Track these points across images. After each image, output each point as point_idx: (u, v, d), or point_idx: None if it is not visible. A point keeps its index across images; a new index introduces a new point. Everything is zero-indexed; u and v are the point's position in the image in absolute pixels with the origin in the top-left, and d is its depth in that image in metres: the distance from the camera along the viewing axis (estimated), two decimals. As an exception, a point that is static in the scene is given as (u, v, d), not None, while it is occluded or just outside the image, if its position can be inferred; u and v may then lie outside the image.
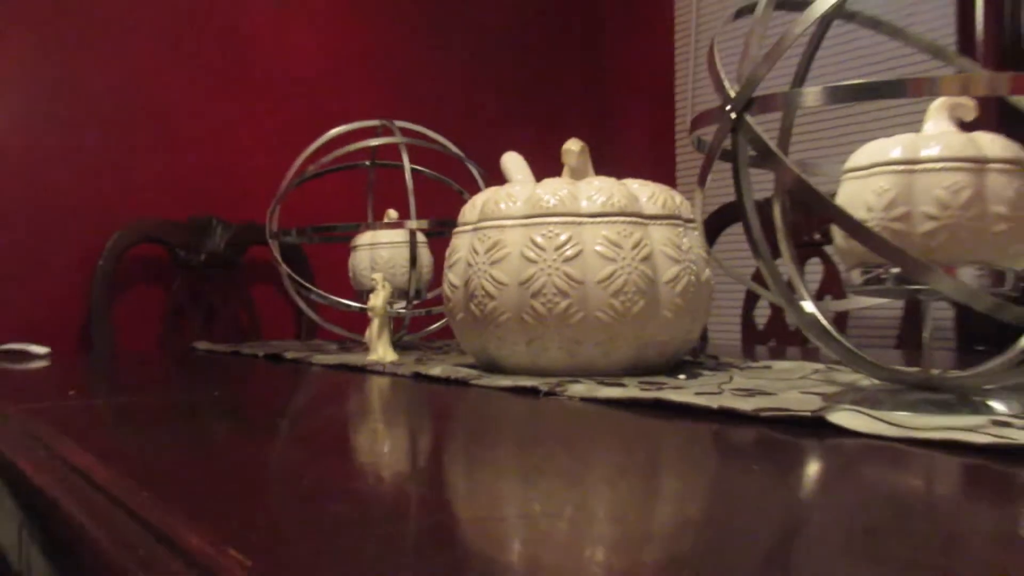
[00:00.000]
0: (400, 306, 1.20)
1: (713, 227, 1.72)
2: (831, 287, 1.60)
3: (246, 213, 1.95)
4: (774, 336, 1.69)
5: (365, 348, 1.03)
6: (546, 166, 0.93)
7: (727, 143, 0.55)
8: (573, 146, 0.88)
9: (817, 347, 0.58)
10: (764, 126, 0.52)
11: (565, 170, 0.89)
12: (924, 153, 0.54)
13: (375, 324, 1.00)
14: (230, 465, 0.44)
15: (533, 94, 2.50)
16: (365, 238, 1.24)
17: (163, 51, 1.97)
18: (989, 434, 0.44)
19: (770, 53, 0.50)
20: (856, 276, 0.59)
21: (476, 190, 1.07)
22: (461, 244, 0.85)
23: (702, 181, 0.58)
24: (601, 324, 0.77)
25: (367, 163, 1.36)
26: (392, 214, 1.26)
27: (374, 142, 1.23)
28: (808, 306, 0.69)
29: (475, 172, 1.30)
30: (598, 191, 0.80)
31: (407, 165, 1.13)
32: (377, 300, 1.00)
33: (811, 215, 1.49)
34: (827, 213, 0.49)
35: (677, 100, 2.47)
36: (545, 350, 0.79)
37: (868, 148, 0.58)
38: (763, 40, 0.53)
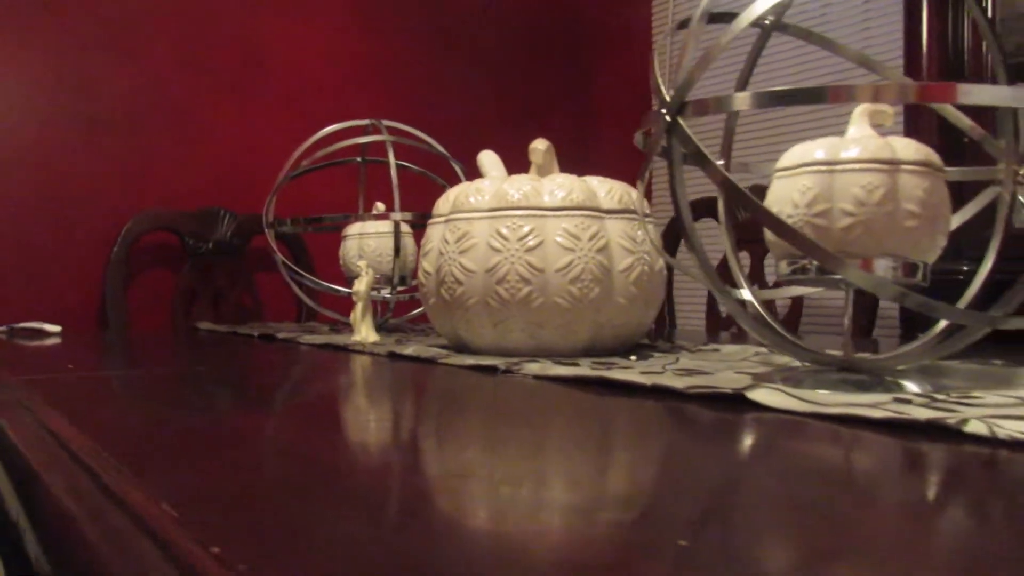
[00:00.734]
0: (386, 292, 1.21)
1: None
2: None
3: (252, 205, 1.95)
4: (799, 329, 1.69)
5: (352, 330, 1.04)
6: (529, 165, 0.93)
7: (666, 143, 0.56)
8: (539, 145, 0.88)
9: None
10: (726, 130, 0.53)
11: (532, 167, 0.89)
12: (843, 155, 0.55)
13: (359, 307, 1.01)
14: (188, 431, 0.45)
15: (520, 99, 2.51)
16: (354, 228, 1.24)
17: (179, 54, 1.97)
18: (889, 410, 0.44)
19: (700, 62, 0.50)
20: (784, 267, 0.60)
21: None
22: (434, 234, 0.86)
23: (640, 177, 0.59)
24: (560, 309, 0.78)
25: (358, 159, 1.37)
26: (380, 206, 1.26)
27: (362, 140, 1.23)
28: (745, 294, 0.70)
29: (457, 169, 1.30)
30: (559, 187, 0.81)
31: (392, 161, 1.14)
32: (361, 285, 1.01)
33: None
34: (751, 210, 0.50)
35: (654, 104, 2.47)
36: (509, 332, 0.80)
37: (796, 150, 0.59)
38: (697, 50, 0.54)
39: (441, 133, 1.37)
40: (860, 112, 0.60)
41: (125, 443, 0.38)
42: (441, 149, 1.30)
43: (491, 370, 0.70)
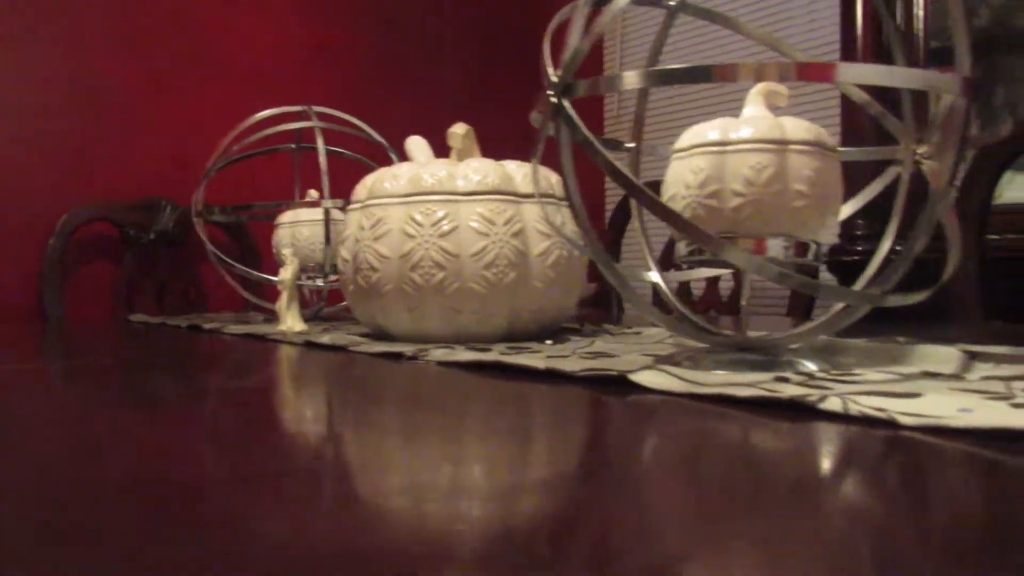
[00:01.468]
0: (321, 280, 1.20)
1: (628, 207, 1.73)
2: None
3: (188, 194, 1.92)
4: (712, 306, 1.70)
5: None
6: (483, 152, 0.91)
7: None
8: (458, 129, 0.88)
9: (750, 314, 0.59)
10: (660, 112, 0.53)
11: (452, 152, 0.89)
12: (733, 135, 0.55)
13: (284, 296, 1.00)
14: (62, 419, 0.44)
15: (471, 86, 2.49)
16: (287, 216, 1.23)
17: (118, 41, 1.93)
18: (763, 388, 0.45)
19: (581, 44, 0.50)
20: (682, 249, 0.60)
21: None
22: (351, 221, 0.85)
23: (533, 156, 0.59)
24: (475, 294, 0.78)
25: (293, 146, 1.35)
26: (313, 193, 1.25)
27: (293, 126, 1.22)
28: (653, 276, 0.70)
29: (394, 158, 1.29)
30: (475, 171, 0.80)
31: (321, 148, 1.13)
32: (286, 274, 1.00)
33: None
34: (633, 194, 0.50)
35: (605, 97, 2.48)
36: (426, 318, 0.79)
37: (691, 131, 0.59)
38: (587, 31, 0.54)
39: (390, 120, 1.36)
40: (755, 93, 0.60)
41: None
42: (376, 136, 1.29)
43: (396, 356, 0.70)
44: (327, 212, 1.12)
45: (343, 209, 1.18)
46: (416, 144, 0.98)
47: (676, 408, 0.44)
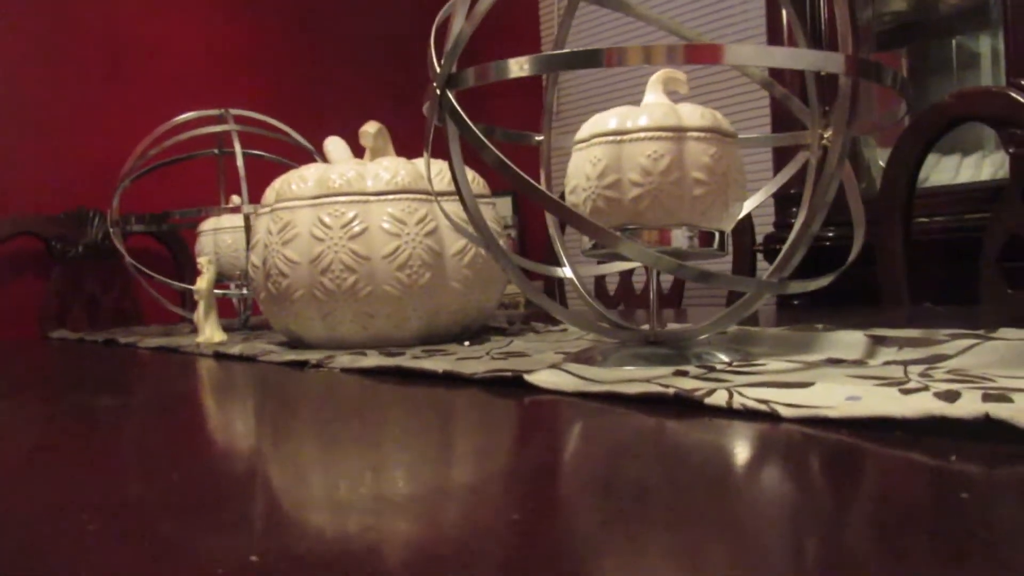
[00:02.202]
0: (245, 289, 1.16)
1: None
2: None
3: (125, 204, 1.87)
4: (622, 300, 1.69)
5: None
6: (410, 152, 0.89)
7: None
8: (369, 128, 0.85)
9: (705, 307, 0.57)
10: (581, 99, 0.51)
11: (366, 152, 0.86)
12: (630, 124, 0.54)
13: (201, 306, 0.96)
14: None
15: (403, 86, 2.46)
16: (209, 223, 1.19)
17: (35, 48, 1.86)
18: (659, 383, 0.43)
19: (462, 32, 0.48)
20: (586, 242, 0.58)
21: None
22: (260, 226, 0.82)
23: (424, 149, 0.57)
24: (390, 297, 0.75)
25: (215, 151, 1.31)
26: (236, 199, 1.21)
27: (209, 130, 1.18)
28: (566, 271, 0.68)
29: (318, 160, 1.26)
30: (384, 170, 0.78)
31: (239, 152, 1.09)
32: (202, 283, 0.96)
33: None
34: (521, 188, 0.48)
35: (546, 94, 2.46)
36: (340, 324, 0.77)
37: (592, 120, 0.57)
38: (471, 21, 0.52)
39: (319, 122, 1.32)
40: (655, 80, 0.58)
41: None
42: (299, 138, 1.25)
43: (302, 365, 0.67)
44: (247, 218, 1.08)
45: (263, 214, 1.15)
46: (335, 145, 0.95)
47: (567, 408, 0.43)
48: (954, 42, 1.75)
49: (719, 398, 0.38)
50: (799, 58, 0.47)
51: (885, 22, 1.74)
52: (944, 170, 1.53)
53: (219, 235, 1.18)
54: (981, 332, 0.53)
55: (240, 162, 1.08)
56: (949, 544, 0.20)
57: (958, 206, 1.40)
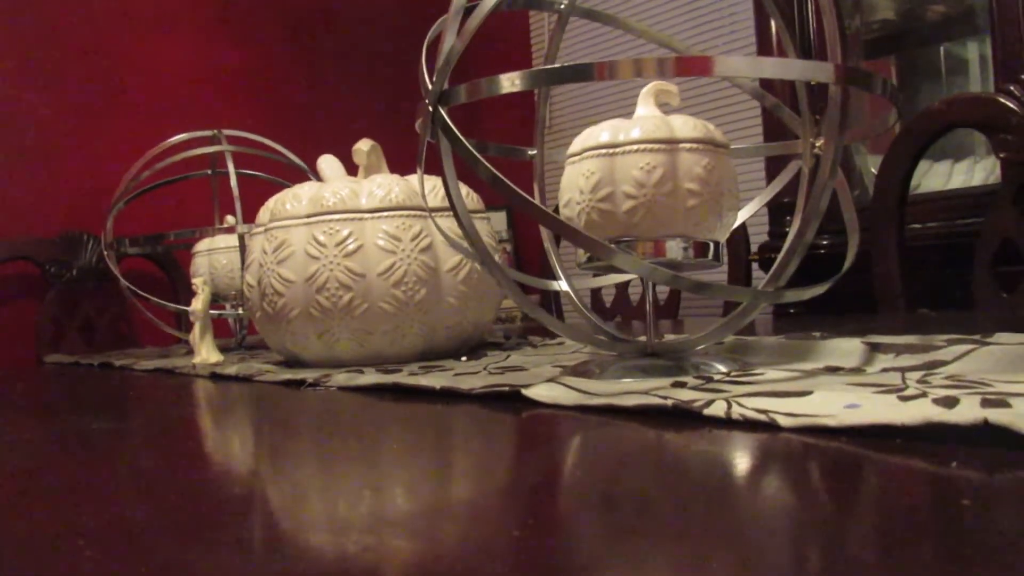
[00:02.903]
0: (241, 309, 1.16)
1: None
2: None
3: (120, 227, 1.87)
4: (619, 312, 1.69)
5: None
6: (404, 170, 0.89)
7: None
8: (363, 146, 0.86)
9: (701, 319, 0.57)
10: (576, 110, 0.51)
11: (360, 170, 0.86)
12: (622, 137, 0.54)
13: (197, 327, 0.96)
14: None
15: (401, 106, 2.47)
16: (204, 244, 1.19)
17: (28, 72, 1.87)
18: (657, 395, 0.43)
19: (453, 48, 0.48)
20: (581, 255, 0.58)
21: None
22: (255, 246, 0.82)
23: (418, 165, 0.57)
24: (386, 314, 0.75)
25: (209, 172, 1.31)
26: (230, 220, 1.21)
27: (203, 151, 1.18)
28: (561, 284, 0.68)
29: (313, 179, 1.26)
30: (378, 187, 0.78)
31: (232, 172, 1.09)
32: (197, 304, 0.96)
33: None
34: (515, 203, 0.48)
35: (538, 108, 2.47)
36: (337, 342, 0.77)
37: (584, 134, 0.57)
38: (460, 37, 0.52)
39: (312, 141, 1.32)
40: (646, 92, 0.59)
41: None
42: (293, 157, 1.25)
43: (299, 384, 0.67)
44: (242, 238, 1.08)
45: (257, 234, 1.15)
46: (328, 163, 0.96)
47: (566, 422, 0.43)
48: (942, 49, 1.76)
49: (718, 409, 0.38)
50: (789, 68, 0.47)
51: (873, 30, 1.75)
52: (936, 176, 1.54)
53: (214, 255, 1.18)
54: (977, 337, 0.53)
55: (234, 182, 1.08)
56: (951, 551, 0.20)
57: (951, 212, 1.41)
